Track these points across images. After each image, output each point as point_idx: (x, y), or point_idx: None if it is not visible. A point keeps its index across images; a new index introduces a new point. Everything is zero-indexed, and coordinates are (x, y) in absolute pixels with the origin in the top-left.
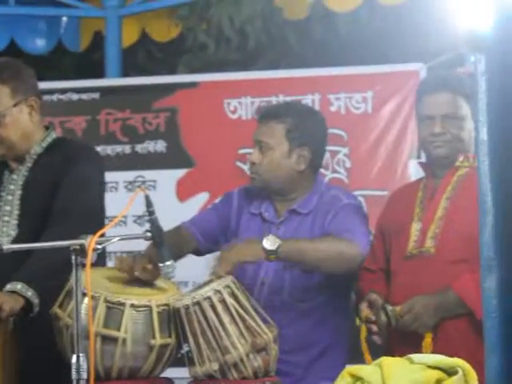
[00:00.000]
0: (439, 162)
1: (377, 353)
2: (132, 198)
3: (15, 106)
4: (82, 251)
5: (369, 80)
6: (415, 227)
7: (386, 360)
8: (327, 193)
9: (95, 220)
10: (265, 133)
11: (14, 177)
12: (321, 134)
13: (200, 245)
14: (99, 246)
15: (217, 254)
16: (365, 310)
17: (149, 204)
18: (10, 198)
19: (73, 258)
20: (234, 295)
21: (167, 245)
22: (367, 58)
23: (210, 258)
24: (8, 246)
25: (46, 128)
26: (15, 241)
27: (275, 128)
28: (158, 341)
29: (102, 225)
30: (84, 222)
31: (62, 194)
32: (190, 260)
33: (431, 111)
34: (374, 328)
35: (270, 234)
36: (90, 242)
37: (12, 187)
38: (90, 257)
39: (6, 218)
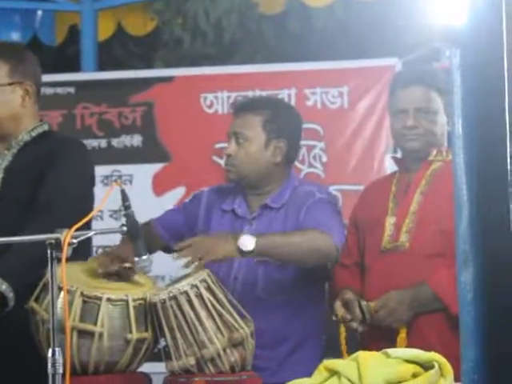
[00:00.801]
0: (412, 156)
1: (352, 349)
2: (108, 193)
3: (10, 84)
4: (57, 245)
5: (344, 75)
6: (389, 221)
7: (362, 354)
8: (300, 187)
9: (81, 214)
10: (242, 124)
11: None
12: (297, 127)
13: (165, 241)
14: (75, 241)
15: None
16: (340, 309)
17: (125, 198)
18: None
19: (48, 251)
20: (210, 289)
21: (143, 239)
22: (343, 52)
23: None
24: None
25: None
26: None
27: (252, 120)
28: (135, 335)
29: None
30: (69, 217)
31: (48, 188)
32: (167, 255)
33: (404, 105)
34: (354, 325)
35: (243, 234)
36: (66, 236)
37: None
38: (66, 251)
39: None
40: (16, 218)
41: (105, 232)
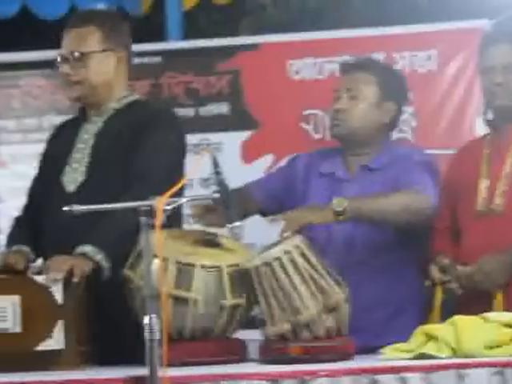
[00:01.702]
0: (503, 115)
1: (446, 314)
2: (199, 160)
3: (103, 51)
4: (151, 212)
5: (433, 38)
6: (483, 185)
7: (459, 319)
8: (398, 150)
9: (174, 184)
10: (356, 81)
11: (89, 126)
12: (405, 91)
13: (264, 206)
14: (168, 207)
15: (285, 214)
16: (436, 273)
17: (216, 164)
18: (81, 145)
19: (142, 219)
20: (303, 255)
21: (235, 206)
22: (431, 15)
23: (279, 220)
24: (78, 208)
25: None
26: (82, 187)
27: (367, 78)
28: (230, 301)
29: (181, 189)
30: (163, 186)
31: (142, 156)
32: (257, 222)
33: (492, 61)
34: (453, 285)
35: (336, 197)
36: (159, 203)
37: (86, 136)
38: (160, 218)
39: (75, 165)
40: (106, 184)
41: (197, 198)
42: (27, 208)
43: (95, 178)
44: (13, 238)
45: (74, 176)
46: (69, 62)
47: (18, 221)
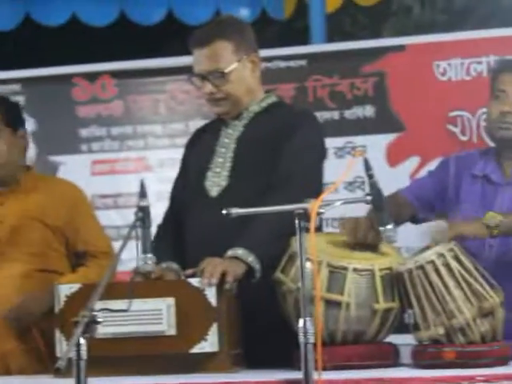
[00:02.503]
0: None
1: None
2: (350, 163)
3: (239, 61)
4: (305, 215)
5: None
6: None
7: None
8: None
9: (316, 186)
10: None
11: (230, 131)
12: None
13: (415, 210)
14: (322, 210)
15: (437, 222)
16: None
17: (368, 167)
18: (223, 150)
19: (296, 222)
20: (457, 259)
21: (387, 209)
22: None
23: (426, 225)
24: (236, 211)
25: (265, 92)
26: (225, 192)
27: None
28: (382, 305)
29: (321, 191)
30: (306, 188)
31: (286, 158)
32: (403, 226)
33: None
34: None
35: (489, 211)
36: (314, 205)
37: (227, 140)
38: (314, 221)
39: (218, 170)
40: (250, 187)
41: (350, 201)
42: (170, 214)
43: (238, 182)
44: (159, 251)
45: (216, 181)
46: (209, 80)
47: (162, 230)
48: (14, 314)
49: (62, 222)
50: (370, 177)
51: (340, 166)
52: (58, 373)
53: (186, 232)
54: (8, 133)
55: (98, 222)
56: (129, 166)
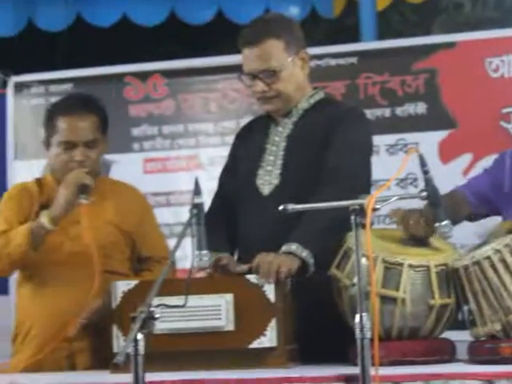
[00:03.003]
0: None
1: None
2: (406, 159)
3: (290, 59)
4: (360, 211)
5: None
6: None
7: None
8: None
9: (363, 182)
10: None
11: (280, 129)
12: None
13: (472, 207)
14: (378, 206)
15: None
16: None
17: (423, 163)
18: (274, 148)
19: (352, 217)
20: None
21: (442, 204)
22: None
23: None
24: (292, 207)
25: (314, 88)
26: (277, 190)
27: None
28: (438, 301)
29: (368, 187)
30: (355, 183)
31: (335, 154)
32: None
33: None
34: None
35: None
36: (370, 201)
37: (277, 138)
38: (370, 216)
39: (269, 168)
40: (301, 184)
41: (406, 197)
42: (220, 205)
43: (290, 180)
44: (213, 242)
45: (268, 179)
46: (260, 79)
47: (213, 221)
48: (96, 316)
49: (133, 227)
50: (426, 173)
51: (392, 163)
52: (115, 368)
53: (239, 228)
54: (102, 141)
55: (160, 228)
56: (180, 165)
